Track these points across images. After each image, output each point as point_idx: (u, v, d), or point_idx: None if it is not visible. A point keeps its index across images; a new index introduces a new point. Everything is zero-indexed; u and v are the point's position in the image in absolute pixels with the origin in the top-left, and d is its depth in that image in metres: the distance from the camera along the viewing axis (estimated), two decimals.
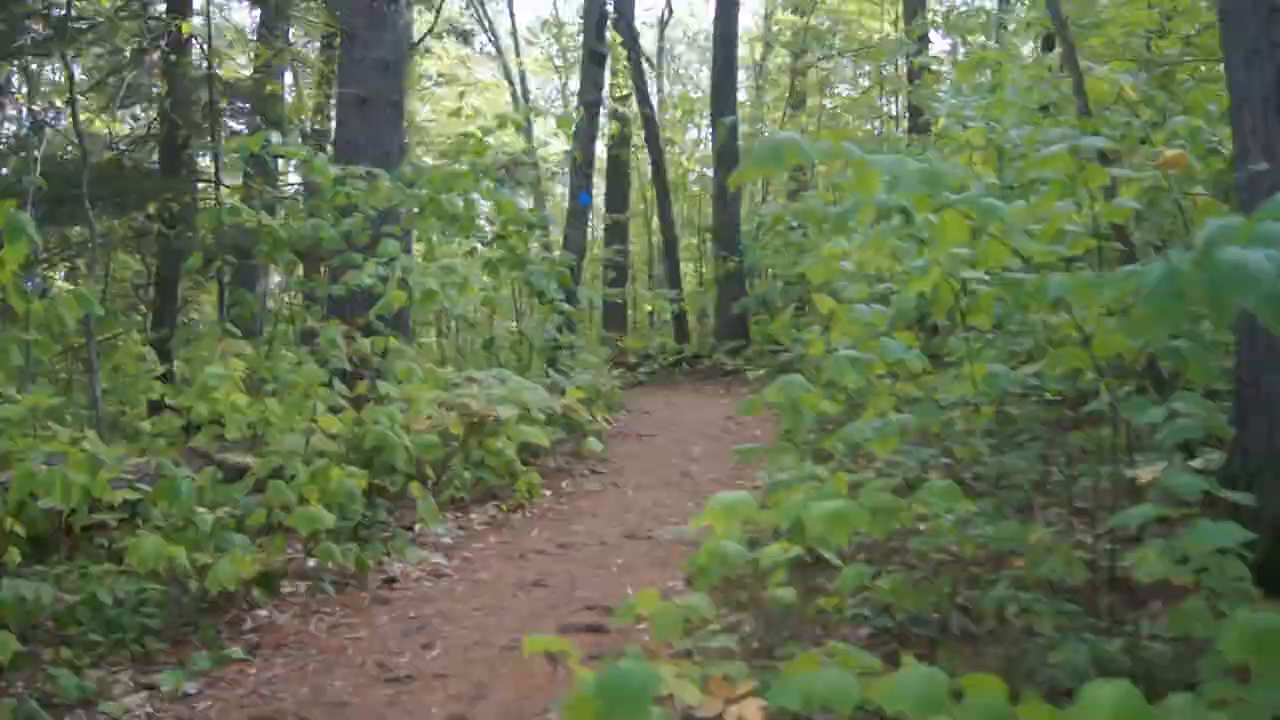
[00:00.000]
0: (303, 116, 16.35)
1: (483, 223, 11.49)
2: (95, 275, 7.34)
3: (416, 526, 7.03)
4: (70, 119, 10.46)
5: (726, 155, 18.49)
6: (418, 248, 11.81)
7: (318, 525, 5.76)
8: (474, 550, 6.79)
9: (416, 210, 9.83)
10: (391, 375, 8.31)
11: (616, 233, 27.08)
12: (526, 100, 30.70)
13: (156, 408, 9.73)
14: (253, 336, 9.28)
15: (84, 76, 13.78)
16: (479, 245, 11.21)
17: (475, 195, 10.24)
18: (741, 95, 23.43)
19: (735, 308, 17.78)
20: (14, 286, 4.61)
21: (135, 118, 15.84)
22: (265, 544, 5.83)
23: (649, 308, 26.26)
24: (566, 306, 11.98)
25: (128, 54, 12.65)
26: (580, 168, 13.27)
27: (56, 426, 6.31)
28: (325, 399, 7.05)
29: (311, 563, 6.08)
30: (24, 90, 13.53)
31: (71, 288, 4.92)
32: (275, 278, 16.84)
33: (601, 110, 17.15)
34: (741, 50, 22.98)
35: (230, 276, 14.88)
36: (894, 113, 26.17)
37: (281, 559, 5.93)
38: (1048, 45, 10.98)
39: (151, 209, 12.77)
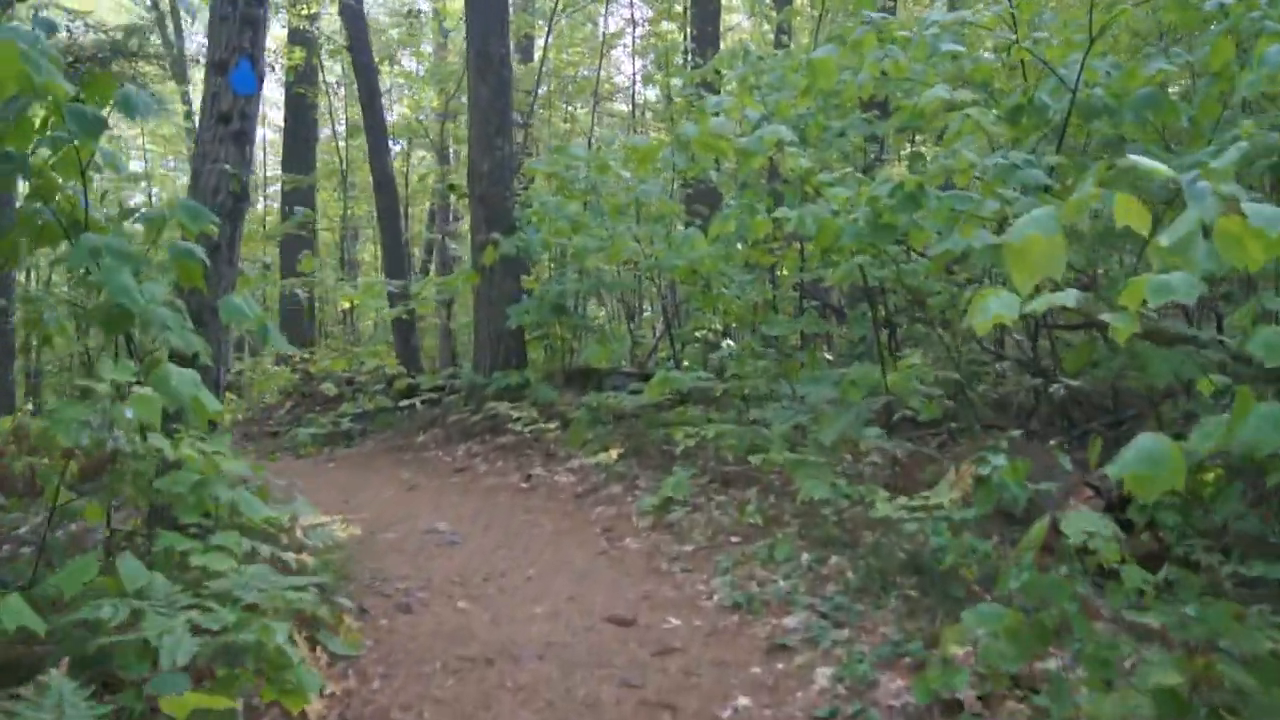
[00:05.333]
0: None
1: None
2: None
3: None
4: None
5: (489, 72, 11.33)
6: None
7: None
8: None
9: None
10: None
11: (298, 200, 19.38)
12: None
13: None
14: None
15: None
16: None
17: None
18: None
19: (513, 316, 10.62)
20: None
21: None
22: None
23: (347, 304, 18.52)
24: (193, 341, 4.59)
25: None
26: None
27: None
28: None
29: None
30: None
31: None
32: None
33: None
34: None
35: None
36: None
37: None
38: None
39: None
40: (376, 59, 16.09)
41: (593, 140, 18.13)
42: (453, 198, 17.93)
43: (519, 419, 9.48)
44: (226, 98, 5.45)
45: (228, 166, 5.33)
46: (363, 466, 9.78)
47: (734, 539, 5.80)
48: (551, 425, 9.29)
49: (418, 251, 24.00)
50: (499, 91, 11.29)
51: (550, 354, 11.57)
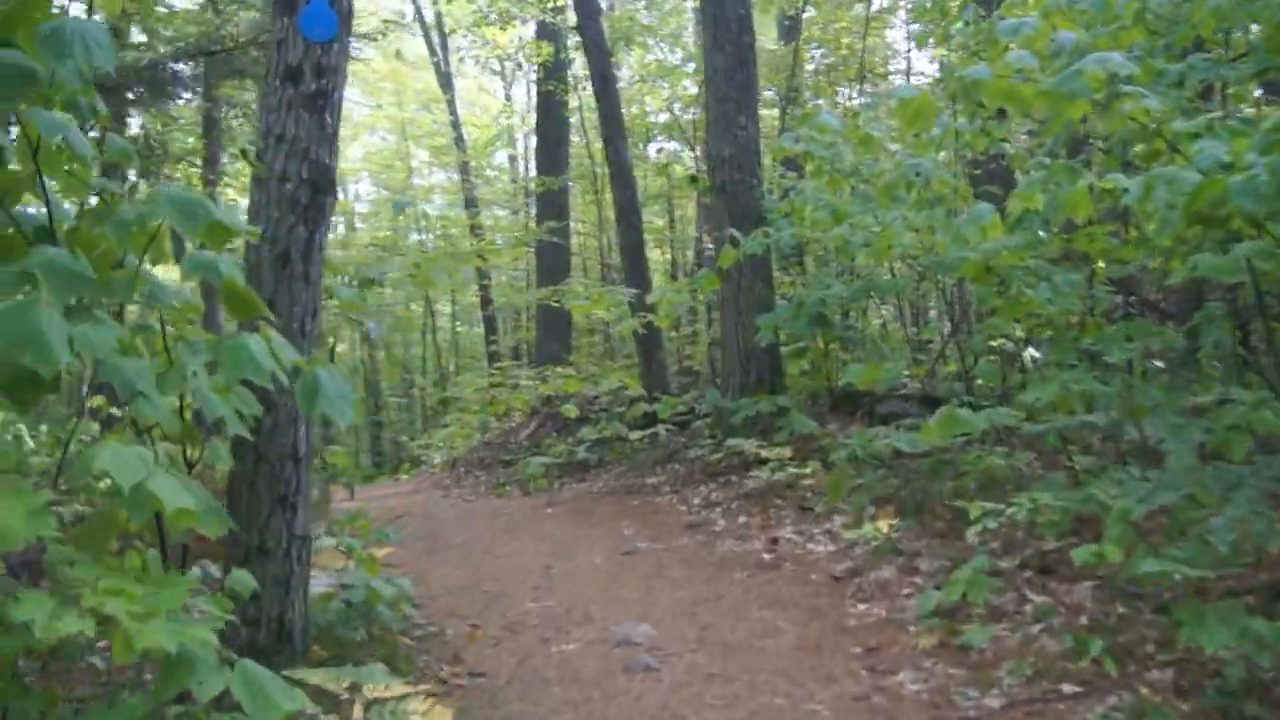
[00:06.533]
0: None
1: None
2: None
3: None
4: None
5: (726, 38, 9.55)
6: None
7: None
8: None
9: None
10: None
11: (551, 204, 18.22)
12: None
13: None
14: None
15: None
16: None
17: None
18: None
19: (762, 329, 8.77)
20: None
21: None
22: None
23: (600, 312, 17.04)
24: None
25: None
26: None
27: None
28: None
29: None
30: None
31: None
32: None
33: None
34: None
35: None
36: None
37: None
38: None
39: None
40: (612, 39, 14.58)
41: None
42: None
43: (768, 460, 7.64)
44: (295, 47, 3.86)
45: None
46: (583, 514, 8.17)
47: (1067, 689, 3.72)
48: (808, 469, 7.39)
49: (689, 254, 22.39)
50: (739, 61, 9.46)
51: (812, 373, 9.63)
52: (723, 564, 6.11)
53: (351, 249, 29.68)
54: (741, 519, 7.07)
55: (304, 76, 3.87)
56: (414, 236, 29.97)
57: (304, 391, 3.13)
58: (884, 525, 5.57)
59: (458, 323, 31.31)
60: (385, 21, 10.87)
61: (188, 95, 10.01)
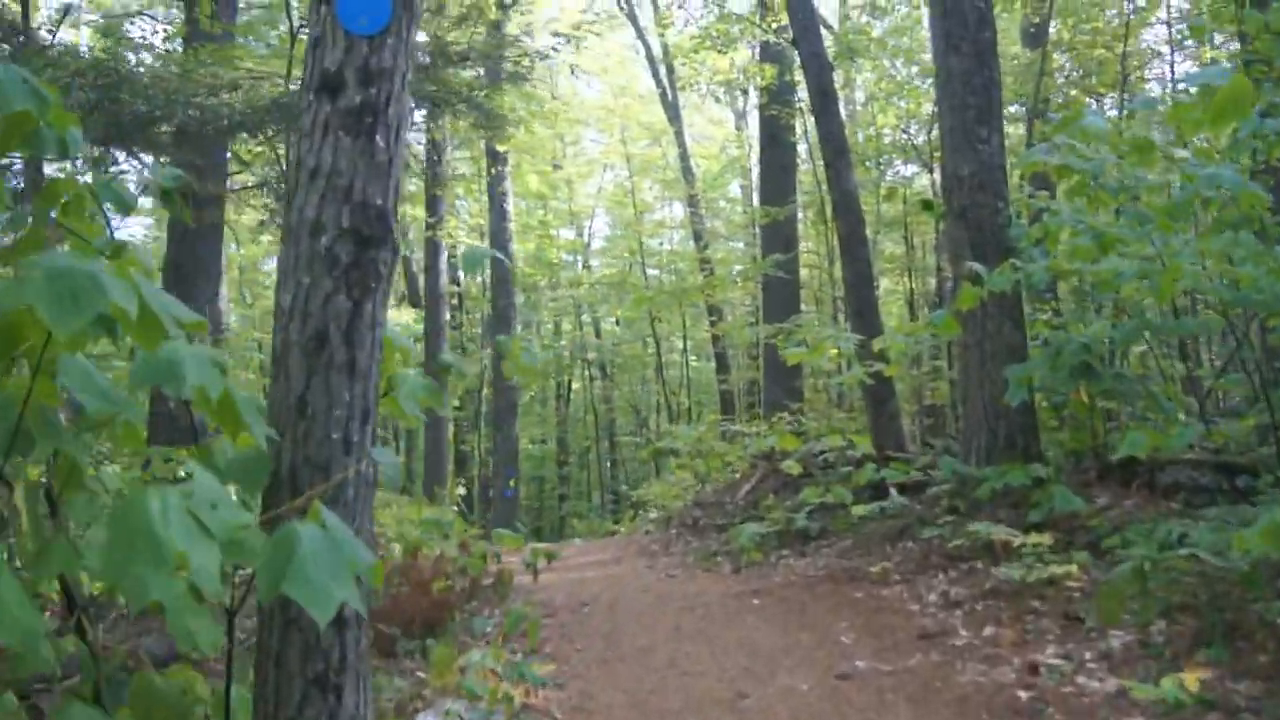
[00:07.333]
0: None
1: None
2: None
3: None
4: None
5: (962, 35, 8.12)
6: None
7: None
8: None
9: None
10: None
11: (777, 236, 16.96)
12: None
13: None
14: None
15: None
16: None
17: None
18: None
19: (1012, 384, 7.24)
20: None
21: None
22: None
23: (832, 353, 15.35)
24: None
25: None
26: None
27: None
28: None
29: None
30: None
31: None
32: None
33: None
34: None
35: None
36: None
37: None
38: None
39: None
40: (836, 54, 13.24)
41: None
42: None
43: (1021, 548, 6.14)
44: (335, 46, 2.77)
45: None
46: (794, 608, 6.84)
47: None
48: (1073, 564, 5.85)
49: (931, 282, 20.61)
50: (979, 62, 8.00)
51: (1074, 431, 7.99)
52: (964, 705, 4.68)
53: (581, 287, 29.33)
54: (988, 629, 5.60)
55: (345, 86, 2.76)
56: (651, 272, 29.34)
57: (266, 562, 1.99)
58: (1192, 682, 4.02)
59: (693, 358, 30.40)
60: (557, 34, 9.84)
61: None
